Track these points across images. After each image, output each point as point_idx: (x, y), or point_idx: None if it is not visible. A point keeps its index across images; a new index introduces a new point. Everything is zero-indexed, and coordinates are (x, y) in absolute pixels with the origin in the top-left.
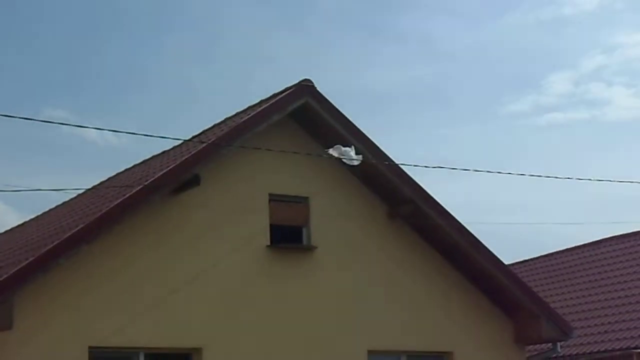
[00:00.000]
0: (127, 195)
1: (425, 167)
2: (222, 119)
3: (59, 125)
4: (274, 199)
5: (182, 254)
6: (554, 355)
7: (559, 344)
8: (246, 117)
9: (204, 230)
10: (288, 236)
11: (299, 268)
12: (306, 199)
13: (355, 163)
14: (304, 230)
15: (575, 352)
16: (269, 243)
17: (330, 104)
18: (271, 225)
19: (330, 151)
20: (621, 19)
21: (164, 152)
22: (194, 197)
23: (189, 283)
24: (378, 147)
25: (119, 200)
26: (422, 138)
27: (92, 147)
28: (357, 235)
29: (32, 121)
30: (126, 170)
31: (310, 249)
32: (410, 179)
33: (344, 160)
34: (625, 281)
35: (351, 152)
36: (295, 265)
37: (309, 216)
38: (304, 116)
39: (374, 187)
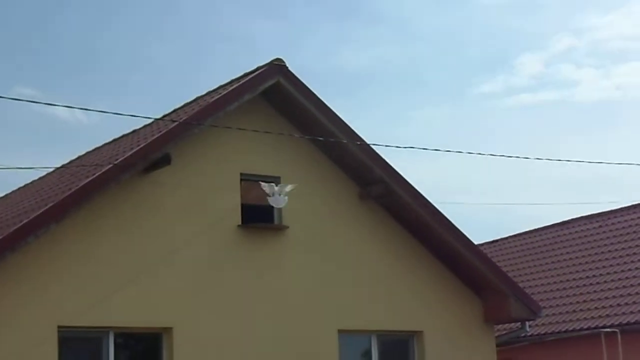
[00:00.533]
0: (97, 174)
1: (397, 147)
2: (193, 97)
3: (29, 103)
4: (245, 178)
5: (153, 234)
6: (523, 335)
7: (527, 323)
8: (217, 96)
9: (175, 210)
10: (259, 216)
11: (270, 248)
12: (278, 178)
13: (281, 205)
14: (275, 210)
15: (543, 332)
16: (240, 223)
17: (302, 83)
18: (242, 205)
19: (263, 185)
20: (591, 0)
21: (134, 131)
22: (165, 177)
23: (159, 263)
24: (349, 127)
25: (88, 179)
26: (393, 119)
27: (63, 126)
28: (328, 215)
29: (1, 99)
30: (96, 149)
31: (281, 228)
32: (381, 159)
33: (268, 199)
34: (593, 261)
35: (279, 194)
36: (266, 245)
37: (281, 208)
38: (276, 96)
39: (346, 167)
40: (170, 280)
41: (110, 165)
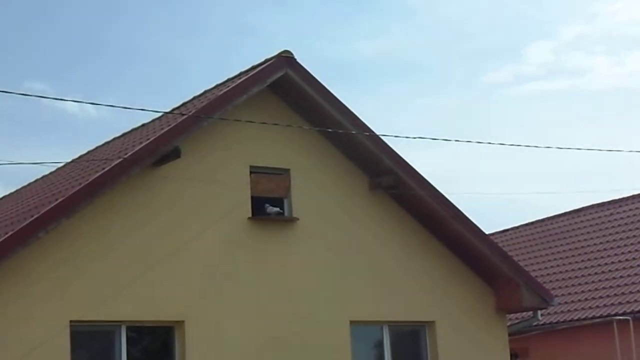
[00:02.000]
0: (107, 168)
1: (406, 137)
2: (202, 91)
3: (39, 98)
4: (254, 171)
5: (163, 228)
6: (535, 324)
7: (539, 311)
8: (225, 90)
9: (185, 203)
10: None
11: (280, 240)
12: (287, 170)
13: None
14: (286, 202)
15: (556, 320)
16: (250, 215)
17: (310, 75)
18: (252, 197)
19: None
20: None
21: (143, 125)
22: (175, 170)
23: (170, 256)
24: (358, 118)
25: (98, 174)
26: (403, 108)
27: (73, 120)
28: (338, 207)
29: (11, 94)
30: (106, 143)
31: (291, 220)
32: (391, 149)
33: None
34: (605, 249)
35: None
36: (277, 237)
37: (290, 188)
38: (284, 88)
39: (355, 158)
40: (182, 273)
41: (120, 160)
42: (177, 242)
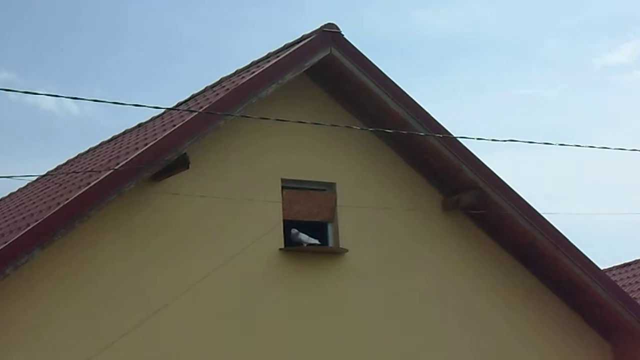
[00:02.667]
0: (93, 183)
1: (493, 140)
2: (217, 79)
3: (4, 92)
4: (288, 186)
5: (167, 262)
6: None
7: None
8: (249, 77)
9: (194, 229)
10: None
11: (323, 279)
12: (332, 185)
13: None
14: (330, 228)
15: None
16: (282, 246)
17: (364, 57)
18: (285, 222)
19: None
20: None
21: (139, 125)
22: (181, 185)
23: (176, 299)
24: (430, 116)
25: (81, 191)
26: (490, 102)
27: (48, 120)
28: (401, 234)
29: None
30: (91, 150)
31: (338, 252)
32: (474, 157)
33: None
34: None
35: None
36: (318, 275)
37: (336, 209)
38: (328, 74)
39: (425, 169)
40: (192, 321)
41: (110, 172)
42: (185, 282)
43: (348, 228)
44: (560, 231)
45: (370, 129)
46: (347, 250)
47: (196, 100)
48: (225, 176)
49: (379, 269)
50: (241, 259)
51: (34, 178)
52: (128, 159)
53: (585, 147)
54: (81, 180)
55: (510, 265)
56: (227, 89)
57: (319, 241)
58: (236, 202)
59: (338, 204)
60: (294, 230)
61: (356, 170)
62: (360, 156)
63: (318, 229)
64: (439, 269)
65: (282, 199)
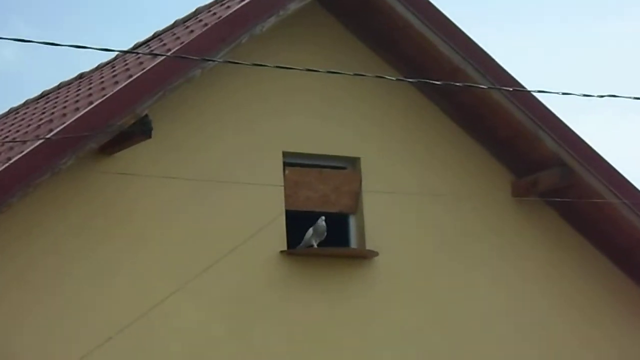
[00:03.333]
0: (15, 159)
1: (585, 96)
2: (192, 10)
3: None
4: (292, 162)
5: (116, 273)
6: None
7: None
8: (237, 6)
9: (158, 228)
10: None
11: (341, 294)
12: (355, 162)
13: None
14: (352, 221)
15: None
16: (284, 247)
17: None
18: (288, 213)
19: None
20: None
21: (81, 76)
22: (140, 163)
23: (138, 323)
24: (495, 62)
25: (1, 168)
26: (577, 39)
27: None
28: (453, 230)
29: None
30: (12, 111)
31: (364, 257)
32: (557, 120)
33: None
34: None
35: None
36: (336, 288)
37: (361, 195)
38: (348, 1)
39: (487, 138)
40: (161, 349)
41: (40, 142)
42: (145, 298)
43: (377, 222)
44: None
45: (410, 80)
46: (377, 254)
47: (161, 40)
48: (202, 149)
49: (420, 279)
50: (224, 269)
51: None
52: (65, 124)
53: None
54: (0, 154)
55: (604, 268)
56: (205, 24)
57: (338, 242)
58: (217, 186)
59: (364, 187)
60: (321, 224)
61: (389, 140)
62: (395, 120)
63: (335, 224)
64: (507, 272)
65: (285, 182)
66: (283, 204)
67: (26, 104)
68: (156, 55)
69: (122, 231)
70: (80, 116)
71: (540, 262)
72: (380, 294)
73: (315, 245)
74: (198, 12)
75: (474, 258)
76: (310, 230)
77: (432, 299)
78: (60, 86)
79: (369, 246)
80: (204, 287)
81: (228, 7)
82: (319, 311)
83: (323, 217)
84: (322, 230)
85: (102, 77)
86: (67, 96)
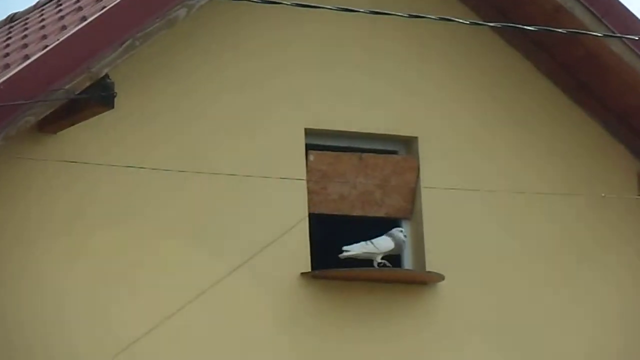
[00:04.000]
0: None
1: None
2: None
3: None
4: (318, 144)
5: (67, 288)
6: None
7: None
8: None
9: (120, 230)
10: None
11: (393, 331)
12: (411, 144)
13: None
14: (406, 230)
15: None
16: (309, 267)
17: None
18: (312, 217)
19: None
20: None
21: (12, 18)
22: (95, 144)
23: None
24: (618, 3)
25: None
26: None
27: None
28: (556, 240)
29: None
30: None
31: (423, 282)
32: None
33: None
34: None
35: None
36: (383, 325)
37: (420, 191)
38: None
39: (605, 112)
40: None
41: None
42: (112, 331)
43: (443, 231)
44: None
45: (492, 24)
46: (442, 278)
47: None
48: (183, 126)
49: (504, 313)
50: (219, 295)
51: None
52: None
53: None
54: None
55: None
56: None
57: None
58: (208, 179)
59: (422, 182)
60: (398, 236)
61: (461, 114)
62: (470, 86)
63: (379, 234)
64: (634, 307)
65: (307, 171)
66: (306, 205)
67: None
68: None
69: (65, 239)
70: (11, 77)
71: None
72: (444, 332)
73: (377, 266)
74: None
75: (585, 280)
76: (386, 241)
77: (520, 340)
78: None
79: (430, 267)
80: (174, 329)
81: None
82: (356, 349)
83: (401, 229)
84: (399, 244)
85: (43, 21)
86: None
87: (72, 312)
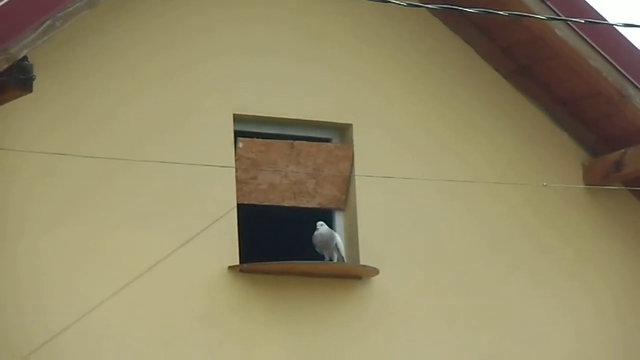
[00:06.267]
0: None
1: None
2: None
3: None
4: (247, 131)
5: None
6: None
7: None
8: None
9: (47, 225)
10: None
11: (324, 329)
12: (344, 131)
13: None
14: (339, 221)
15: None
16: (237, 261)
17: None
18: (240, 207)
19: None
20: None
21: None
22: (14, 130)
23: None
24: None
25: None
26: None
27: None
28: (499, 233)
29: None
30: None
31: (357, 276)
32: None
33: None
34: None
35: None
36: (314, 321)
37: (354, 181)
38: None
39: (550, 99)
40: None
41: None
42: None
43: (377, 223)
44: None
45: (430, 6)
46: (376, 272)
47: None
48: (109, 112)
49: (439, 309)
50: (142, 288)
51: None
52: None
53: None
54: None
55: None
56: None
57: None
58: (130, 167)
59: (357, 170)
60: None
61: (398, 99)
62: (408, 70)
63: (311, 226)
64: (577, 300)
65: (237, 159)
66: (234, 195)
67: None
68: None
69: None
70: None
71: (625, 276)
72: (379, 330)
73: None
74: None
75: (531, 274)
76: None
77: (457, 337)
78: None
79: (364, 260)
80: (96, 322)
81: None
82: (284, 354)
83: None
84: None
85: None
86: None
87: None
